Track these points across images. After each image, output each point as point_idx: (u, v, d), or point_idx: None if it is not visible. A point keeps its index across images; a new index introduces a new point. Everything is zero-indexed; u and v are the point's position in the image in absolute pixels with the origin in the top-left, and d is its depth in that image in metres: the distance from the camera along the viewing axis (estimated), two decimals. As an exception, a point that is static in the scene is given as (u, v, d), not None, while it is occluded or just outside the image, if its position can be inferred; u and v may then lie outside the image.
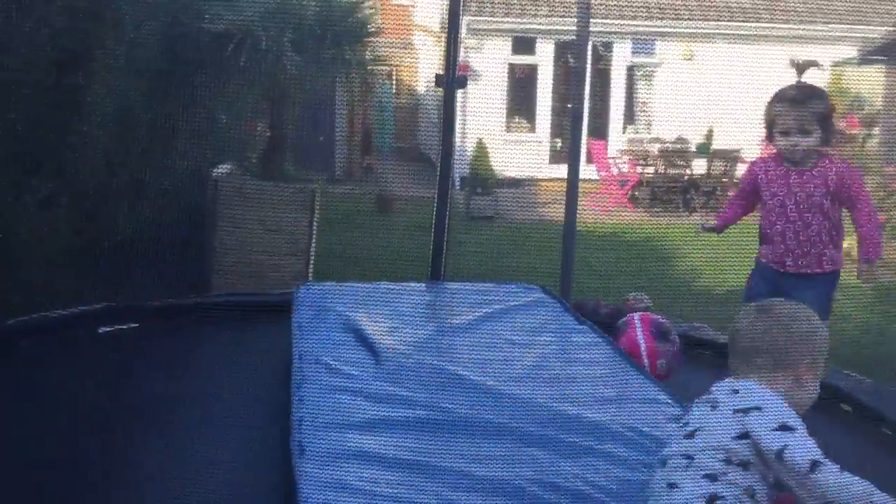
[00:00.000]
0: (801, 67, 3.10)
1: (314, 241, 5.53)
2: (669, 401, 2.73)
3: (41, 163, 4.28)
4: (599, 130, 12.76)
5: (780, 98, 3.08)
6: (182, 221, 4.70)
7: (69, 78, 4.18)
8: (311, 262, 5.51)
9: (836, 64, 10.73)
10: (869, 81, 10.44)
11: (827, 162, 3.06)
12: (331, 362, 2.90)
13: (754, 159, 3.31)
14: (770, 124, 3.11)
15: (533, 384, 2.80)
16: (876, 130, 9.77)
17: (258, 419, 2.86)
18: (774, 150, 3.15)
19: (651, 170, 11.42)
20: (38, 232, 4.23)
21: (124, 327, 3.93)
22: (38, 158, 4.22)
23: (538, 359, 3.08)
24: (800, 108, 3.03)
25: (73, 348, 3.61)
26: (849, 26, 11.51)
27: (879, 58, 9.47)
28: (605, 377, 2.94)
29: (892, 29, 9.25)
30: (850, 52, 10.32)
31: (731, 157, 10.64)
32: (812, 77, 3.18)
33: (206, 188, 5.37)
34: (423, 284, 4.26)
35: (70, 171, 4.38)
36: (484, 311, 3.55)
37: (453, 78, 4.49)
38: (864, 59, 10.03)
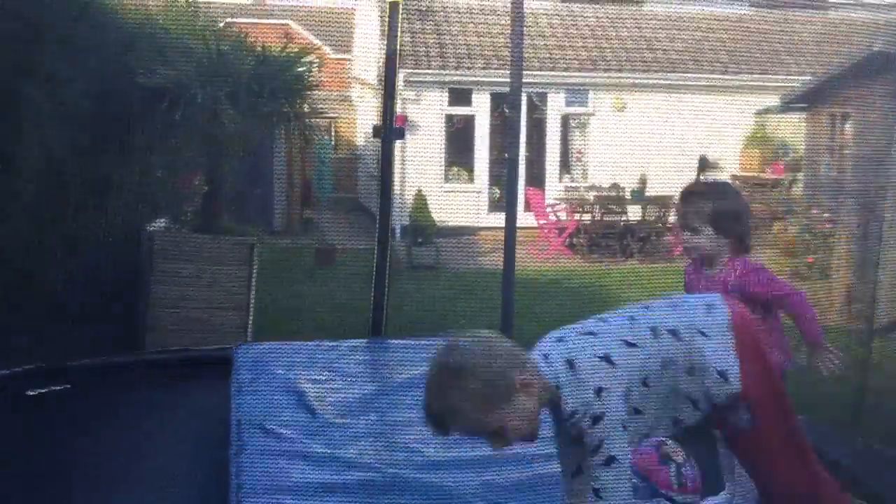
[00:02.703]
0: (702, 166, 3.02)
1: (253, 294, 5.46)
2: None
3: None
4: (536, 179, 12.98)
5: (681, 194, 2.98)
6: (115, 277, 4.60)
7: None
8: (251, 316, 5.43)
9: (760, 112, 11.16)
10: (792, 128, 10.87)
11: (731, 264, 2.90)
12: (270, 426, 2.83)
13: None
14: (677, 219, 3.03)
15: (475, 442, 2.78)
16: (800, 175, 10.16)
17: (195, 482, 2.78)
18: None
19: (588, 217, 11.63)
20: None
21: (54, 389, 3.79)
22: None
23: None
24: (687, 203, 2.93)
25: (2, 412, 3.47)
26: (771, 76, 12.03)
27: (800, 105, 9.89)
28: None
29: (810, 78, 9.69)
30: (773, 100, 10.76)
31: (664, 202, 10.91)
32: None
33: (142, 243, 5.27)
34: (364, 342, 4.22)
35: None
36: (424, 367, 3.51)
37: (391, 129, 4.53)
38: (787, 107, 10.46)
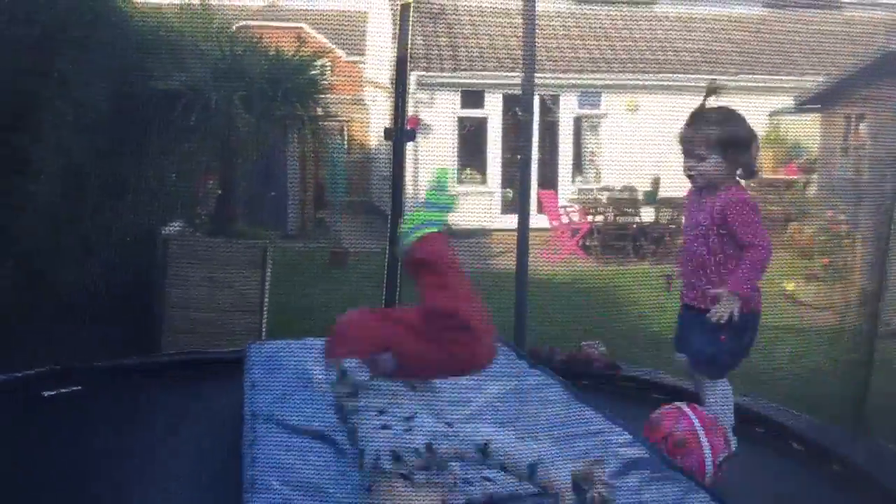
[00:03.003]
0: (710, 90, 2.96)
1: (267, 296, 5.48)
2: (623, 431, 2.76)
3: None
4: (549, 180, 12.97)
5: (689, 117, 2.97)
6: (130, 280, 4.63)
7: (14, 138, 4.13)
8: (264, 318, 5.45)
9: (773, 113, 11.11)
10: (806, 129, 10.81)
11: (726, 191, 2.91)
12: (283, 419, 2.85)
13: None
14: (680, 143, 3.01)
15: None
16: (814, 176, 10.11)
17: (209, 481, 2.79)
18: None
19: (601, 218, 11.61)
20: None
21: (69, 390, 3.82)
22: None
23: (493, 401, 3.08)
24: (695, 128, 2.91)
25: (17, 413, 3.50)
26: (784, 76, 11.97)
27: (814, 106, 9.84)
28: (560, 414, 2.94)
29: (824, 78, 9.64)
30: (787, 101, 10.71)
31: (677, 204, 10.88)
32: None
33: (157, 246, 5.31)
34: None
35: (14, 232, 4.30)
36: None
37: (402, 131, 4.54)
38: (800, 108, 10.40)
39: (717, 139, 2.89)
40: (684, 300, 3.08)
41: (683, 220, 3.12)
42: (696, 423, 2.81)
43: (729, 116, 2.97)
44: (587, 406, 3.07)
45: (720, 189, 2.93)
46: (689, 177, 2.99)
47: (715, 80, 3.03)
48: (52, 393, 3.75)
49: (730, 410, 3.07)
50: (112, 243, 4.66)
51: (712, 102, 3.02)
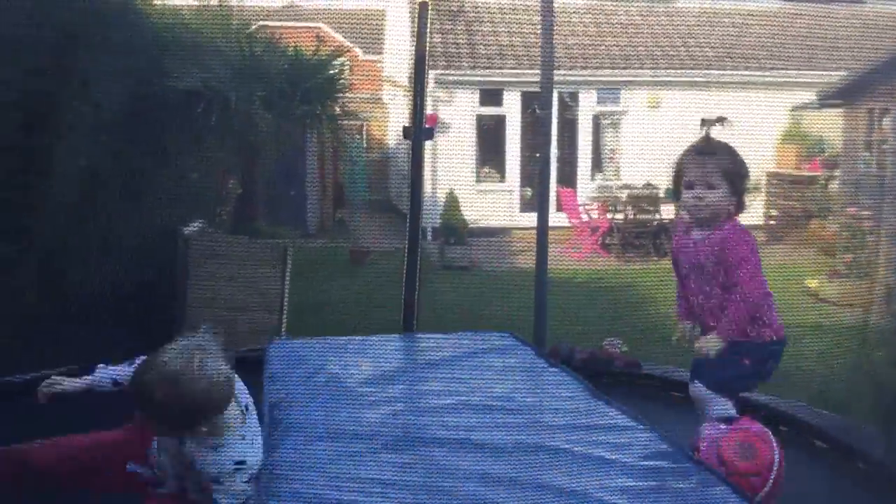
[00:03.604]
0: (708, 123, 2.94)
1: (287, 295, 5.50)
2: (641, 426, 2.74)
3: (6, 224, 4.24)
4: (568, 178, 12.92)
5: (687, 151, 2.95)
6: (152, 280, 4.66)
7: (36, 138, 4.17)
8: (285, 317, 5.47)
9: (796, 108, 11.00)
10: (828, 125, 10.69)
11: (726, 226, 2.87)
12: (301, 412, 2.86)
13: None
14: (677, 178, 2.97)
15: (507, 428, 2.78)
16: (837, 172, 10.00)
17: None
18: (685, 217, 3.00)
19: (621, 216, 11.55)
20: (2, 294, 4.16)
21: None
22: (2, 220, 4.18)
23: (510, 401, 3.08)
24: (707, 159, 2.88)
25: (36, 413, 3.53)
26: (805, 71, 11.84)
27: (837, 101, 9.72)
28: (578, 411, 2.93)
29: (847, 73, 9.52)
30: (810, 96, 10.59)
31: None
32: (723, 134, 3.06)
33: (177, 246, 5.34)
34: (395, 336, 4.25)
35: (36, 232, 4.34)
36: (454, 358, 3.54)
37: (421, 130, 4.54)
38: (823, 103, 10.29)
39: (728, 170, 2.89)
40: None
41: (679, 264, 3.00)
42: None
43: (732, 149, 2.95)
44: (607, 403, 3.05)
45: (717, 222, 2.89)
46: (693, 208, 2.91)
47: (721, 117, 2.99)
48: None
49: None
50: (133, 243, 4.70)
51: (715, 132, 2.98)
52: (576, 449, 2.54)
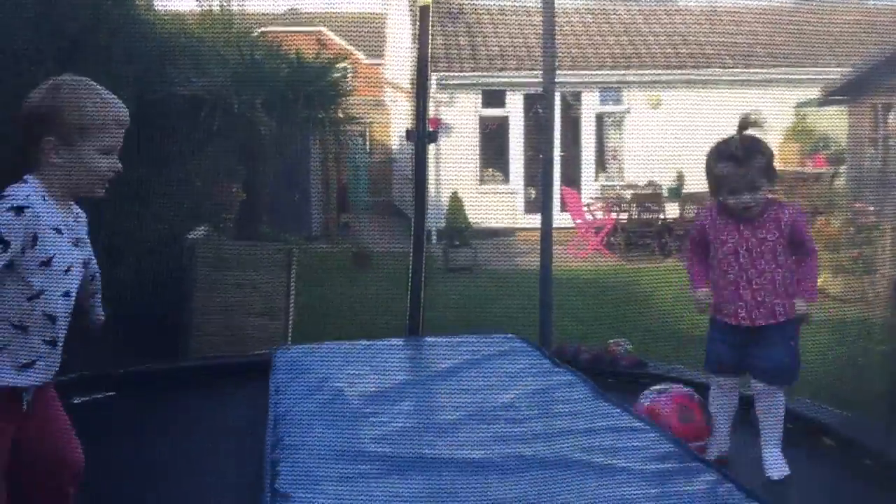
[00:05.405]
0: (743, 125, 2.99)
1: (293, 299, 5.51)
2: (647, 427, 2.74)
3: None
4: (572, 178, 12.92)
5: (722, 155, 2.99)
6: (158, 286, 4.67)
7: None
8: (291, 321, 5.48)
9: (799, 105, 10.98)
10: (832, 121, 10.67)
11: (777, 207, 3.03)
12: (307, 423, 2.86)
13: (698, 211, 3.32)
14: (717, 184, 3.03)
15: (515, 433, 2.78)
16: (842, 168, 9.98)
17: (235, 486, 2.81)
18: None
19: (625, 215, 11.54)
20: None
21: (99, 396, 3.86)
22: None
23: (517, 403, 3.07)
24: (746, 166, 2.95)
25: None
26: (809, 68, 11.82)
27: (841, 97, 9.71)
28: (584, 412, 2.93)
29: (850, 69, 9.51)
30: (813, 92, 10.57)
31: (701, 199, 10.79)
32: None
33: (182, 252, 5.35)
34: (401, 340, 4.25)
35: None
36: (460, 363, 3.54)
37: (424, 132, 4.54)
38: (827, 99, 10.27)
39: (765, 166, 3.00)
40: (747, 322, 3.04)
41: (716, 247, 3.09)
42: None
43: (759, 144, 3.04)
44: (612, 403, 3.05)
45: (772, 206, 3.04)
46: (743, 211, 3.01)
47: (749, 114, 3.03)
48: (85, 399, 3.79)
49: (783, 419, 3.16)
50: (138, 249, 4.71)
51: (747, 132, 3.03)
52: (595, 460, 2.53)
